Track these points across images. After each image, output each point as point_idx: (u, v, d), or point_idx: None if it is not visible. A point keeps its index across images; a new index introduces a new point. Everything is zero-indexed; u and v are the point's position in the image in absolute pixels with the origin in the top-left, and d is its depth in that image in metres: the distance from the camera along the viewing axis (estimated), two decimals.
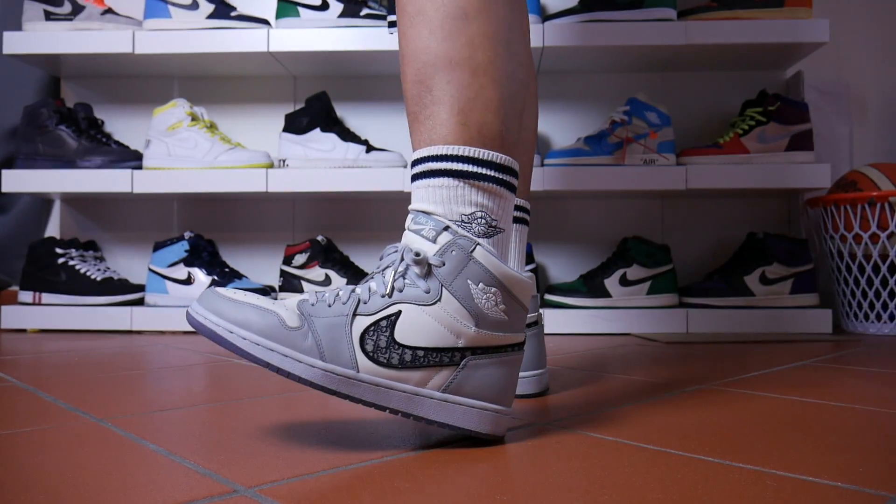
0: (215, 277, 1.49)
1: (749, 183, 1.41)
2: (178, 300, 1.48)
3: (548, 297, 1.48)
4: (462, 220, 0.55)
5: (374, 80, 1.65)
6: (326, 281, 1.47)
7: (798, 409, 0.68)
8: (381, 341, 0.53)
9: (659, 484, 0.45)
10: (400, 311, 0.54)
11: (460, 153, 0.55)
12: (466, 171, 0.55)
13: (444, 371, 0.54)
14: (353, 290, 0.55)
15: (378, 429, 0.60)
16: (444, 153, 0.56)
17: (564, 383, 0.83)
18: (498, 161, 0.56)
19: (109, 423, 0.63)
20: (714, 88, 1.63)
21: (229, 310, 0.53)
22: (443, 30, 0.57)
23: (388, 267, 0.56)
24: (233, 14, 1.48)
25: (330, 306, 0.54)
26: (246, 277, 1.54)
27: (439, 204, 0.55)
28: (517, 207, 0.77)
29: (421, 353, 0.53)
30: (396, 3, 0.60)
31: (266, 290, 1.49)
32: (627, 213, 1.64)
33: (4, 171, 1.47)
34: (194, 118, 1.50)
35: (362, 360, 0.53)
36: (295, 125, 1.49)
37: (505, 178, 0.57)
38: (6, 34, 1.48)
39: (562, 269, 1.64)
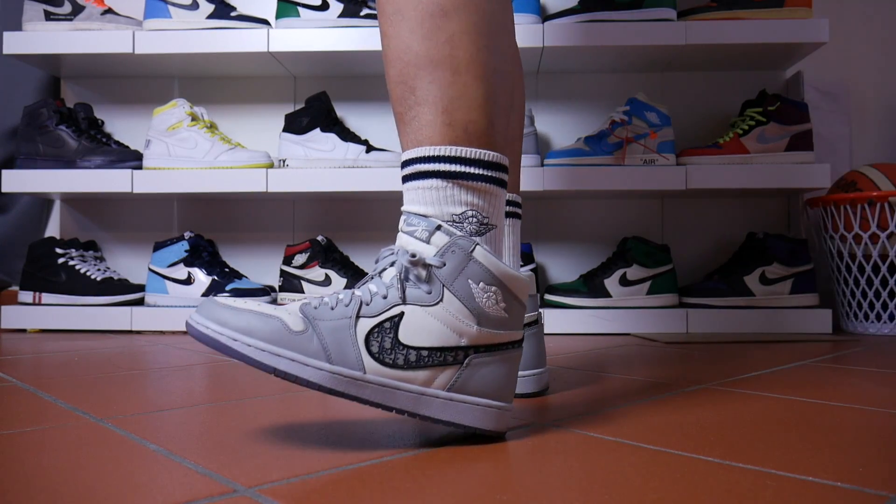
0: (215, 277, 1.49)
1: (749, 183, 1.41)
2: (178, 300, 1.48)
3: (548, 297, 1.48)
4: (454, 221, 0.55)
5: (374, 80, 1.65)
6: (326, 281, 1.47)
7: (798, 409, 0.68)
8: (385, 342, 0.53)
9: (659, 484, 0.45)
10: (403, 313, 0.54)
11: (447, 153, 0.55)
12: (454, 171, 0.55)
13: (449, 370, 0.54)
14: (353, 293, 0.55)
15: (378, 429, 0.60)
16: (431, 154, 0.56)
17: (564, 383, 0.83)
18: (486, 159, 0.56)
19: (109, 423, 0.63)
20: (714, 88, 1.63)
21: (231, 317, 0.53)
22: (422, 28, 0.56)
23: (384, 269, 0.56)
24: (233, 14, 1.48)
25: (333, 309, 0.54)
26: (246, 277, 1.54)
27: (430, 205, 0.56)
28: (509, 202, 0.77)
29: (425, 353, 0.53)
30: (376, 3, 0.60)
31: (266, 290, 1.49)
32: (627, 213, 1.64)
33: (4, 171, 1.47)
34: (194, 118, 1.50)
35: (368, 361, 0.53)
36: (295, 125, 1.49)
37: (494, 174, 0.57)
38: (6, 34, 1.48)
39: (562, 269, 1.64)
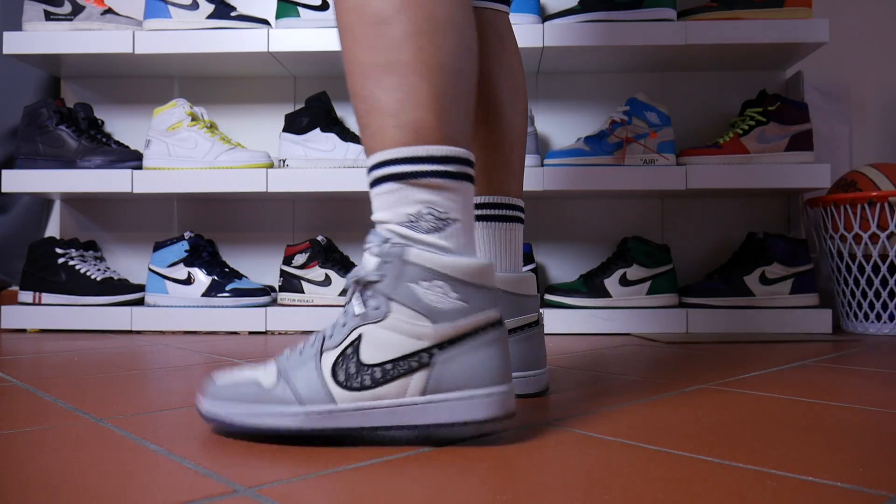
0: (215, 277, 1.49)
1: (749, 183, 1.41)
2: (178, 300, 1.48)
3: (548, 297, 1.48)
4: (409, 221, 0.55)
5: None
6: (326, 281, 1.47)
7: (798, 409, 0.68)
8: (350, 368, 0.54)
9: (659, 484, 0.45)
10: (361, 335, 0.55)
11: (396, 156, 0.56)
12: (405, 171, 0.55)
13: (418, 374, 0.54)
14: (319, 332, 0.58)
15: None
16: (383, 159, 0.56)
17: (564, 383, 0.83)
18: (438, 154, 0.55)
19: (109, 423, 0.63)
20: (714, 88, 1.63)
21: (222, 392, 0.57)
22: (366, 39, 0.57)
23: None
24: (233, 14, 1.48)
25: (301, 353, 0.57)
26: (246, 277, 1.54)
27: (387, 210, 0.56)
28: (510, 206, 0.78)
29: (389, 366, 0.54)
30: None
31: (266, 290, 1.49)
32: (627, 213, 1.64)
33: (4, 171, 1.47)
34: (194, 118, 1.50)
35: (337, 391, 0.54)
36: (295, 125, 1.49)
37: (450, 169, 0.56)
38: (6, 34, 1.48)
39: (562, 269, 1.64)
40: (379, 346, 0.54)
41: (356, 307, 0.56)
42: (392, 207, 0.56)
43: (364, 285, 0.56)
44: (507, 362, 0.56)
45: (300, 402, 0.54)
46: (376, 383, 0.54)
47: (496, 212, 0.77)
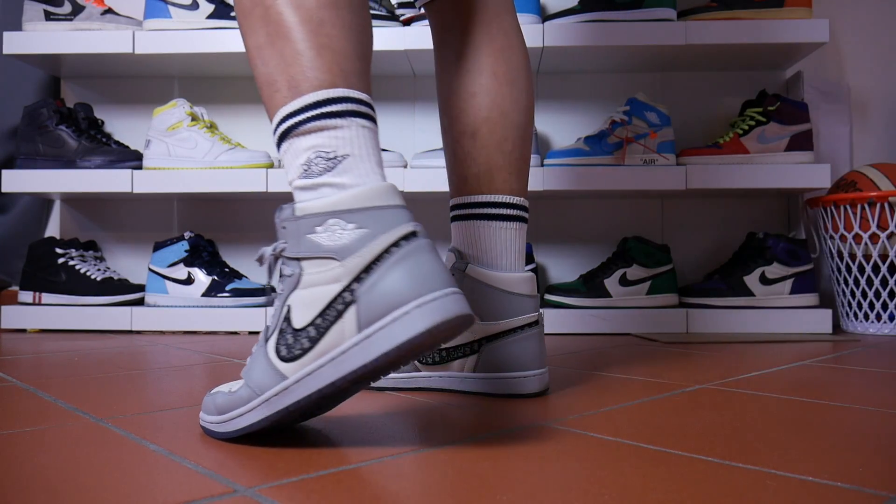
0: (215, 277, 1.49)
1: (749, 183, 1.41)
2: (178, 300, 1.48)
3: (548, 297, 1.48)
4: (304, 171, 0.56)
5: (374, 80, 1.65)
6: None
7: (798, 409, 0.68)
8: (288, 340, 0.54)
9: (659, 484, 0.45)
10: (289, 306, 0.55)
11: (280, 117, 0.58)
12: (288, 127, 0.57)
13: (347, 315, 0.52)
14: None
15: (378, 429, 0.60)
16: (275, 126, 0.59)
17: (564, 383, 0.83)
18: (312, 100, 0.56)
19: (109, 423, 0.63)
20: (714, 88, 1.63)
21: (206, 405, 0.59)
22: (244, 26, 0.61)
23: None
24: (233, 14, 1.48)
25: (253, 352, 0.58)
26: (246, 277, 1.54)
27: (288, 169, 0.58)
28: (513, 206, 0.77)
29: (319, 320, 0.52)
30: None
31: (266, 290, 1.49)
32: (627, 213, 1.64)
33: (4, 171, 1.47)
34: (194, 118, 1.50)
35: (284, 366, 0.53)
36: None
37: (326, 109, 0.56)
38: (6, 34, 1.48)
39: (562, 269, 1.64)
40: (305, 307, 0.53)
41: (279, 284, 0.56)
42: (290, 165, 0.57)
43: (275, 259, 0.56)
44: (434, 269, 0.52)
45: (259, 393, 0.54)
46: (314, 342, 0.52)
47: (471, 211, 0.78)
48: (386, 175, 0.60)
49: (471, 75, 0.78)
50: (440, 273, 0.52)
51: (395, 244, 0.52)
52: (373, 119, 0.59)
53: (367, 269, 0.52)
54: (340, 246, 0.52)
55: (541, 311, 0.77)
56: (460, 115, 0.79)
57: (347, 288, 0.52)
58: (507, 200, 0.77)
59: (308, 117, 0.56)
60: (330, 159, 0.55)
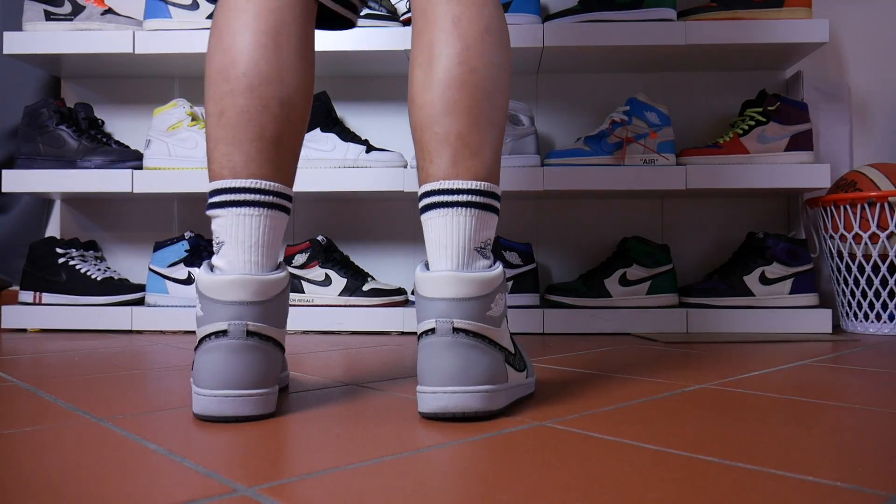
0: None
1: (749, 183, 1.41)
2: (179, 300, 1.48)
3: (548, 296, 1.48)
4: (217, 249, 0.67)
5: (374, 80, 1.65)
6: (326, 281, 1.47)
7: (798, 409, 0.68)
8: None
9: (659, 484, 0.45)
10: None
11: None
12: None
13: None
14: None
15: (378, 429, 0.60)
16: None
17: (564, 383, 0.83)
18: (209, 190, 0.68)
19: (109, 423, 0.63)
20: (714, 88, 1.63)
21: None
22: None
23: None
24: None
25: None
26: None
27: None
28: (436, 192, 0.67)
29: None
30: None
31: None
32: (627, 213, 1.64)
33: (5, 171, 1.47)
34: (194, 118, 1.51)
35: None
36: None
37: (214, 200, 0.67)
38: (6, 34, 1.48)
39: (562, 269, 1.64)
40: None
41: None
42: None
43: None
44: (220, 369, 0.62)
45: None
46: None
47: (424, 201, 0.68)
48: (263, 255, 0.67)
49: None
50: (220, 374, 0.63)
51: (209, 335, 0.63)
52: (254, 204, 0.67)
53: (198, 346, 0.65)
54: (198, 318, 0.65)
55: (453, 320, 0.62)
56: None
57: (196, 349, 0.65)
58: (429, 188, 0.67)
59: (209, 205, 0.68)
60: (218, 243, 0.67)
